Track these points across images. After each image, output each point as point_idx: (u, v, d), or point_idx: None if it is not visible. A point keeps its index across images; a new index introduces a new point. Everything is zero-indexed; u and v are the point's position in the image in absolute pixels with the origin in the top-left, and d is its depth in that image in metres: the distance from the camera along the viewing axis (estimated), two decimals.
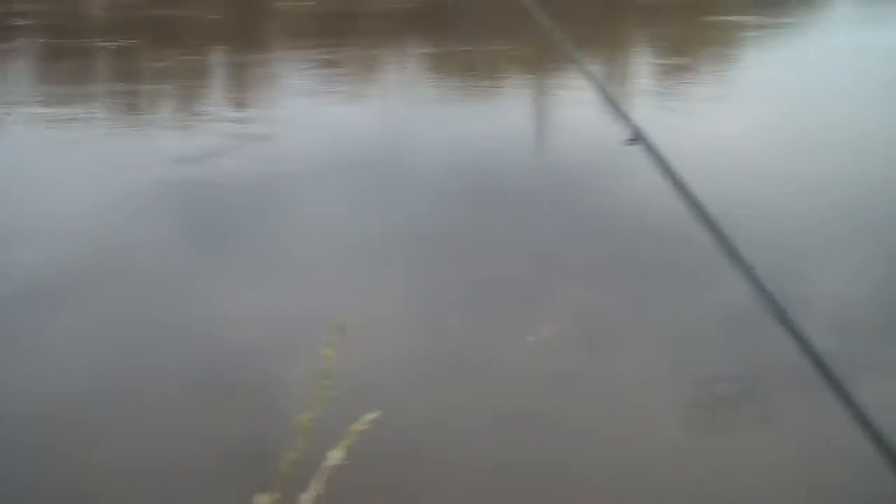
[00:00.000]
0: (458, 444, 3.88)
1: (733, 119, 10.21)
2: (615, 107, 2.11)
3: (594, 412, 4.14)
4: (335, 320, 1.01)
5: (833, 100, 10.82)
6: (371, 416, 1.10)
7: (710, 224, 1.80)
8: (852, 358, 4.52)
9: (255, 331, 4.81)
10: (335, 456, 1.10)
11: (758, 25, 17.09)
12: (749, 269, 1.90)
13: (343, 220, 6.60)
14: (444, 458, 3.79)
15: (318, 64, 12.82)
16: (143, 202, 6.96)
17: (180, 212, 6.82)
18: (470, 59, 13.70)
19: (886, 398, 4.07)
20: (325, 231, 6.39)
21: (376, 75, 12.82)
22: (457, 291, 5.41)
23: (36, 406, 4.18)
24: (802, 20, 18.08)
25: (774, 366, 4.28)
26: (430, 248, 6.11)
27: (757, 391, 4.35)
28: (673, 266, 5.71)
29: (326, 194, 7.14)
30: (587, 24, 16.62)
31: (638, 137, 1.90)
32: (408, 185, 7.42)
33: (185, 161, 8.02)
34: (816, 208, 6.96)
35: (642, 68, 13.44)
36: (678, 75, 12.74)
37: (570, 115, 9.95)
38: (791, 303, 1.79)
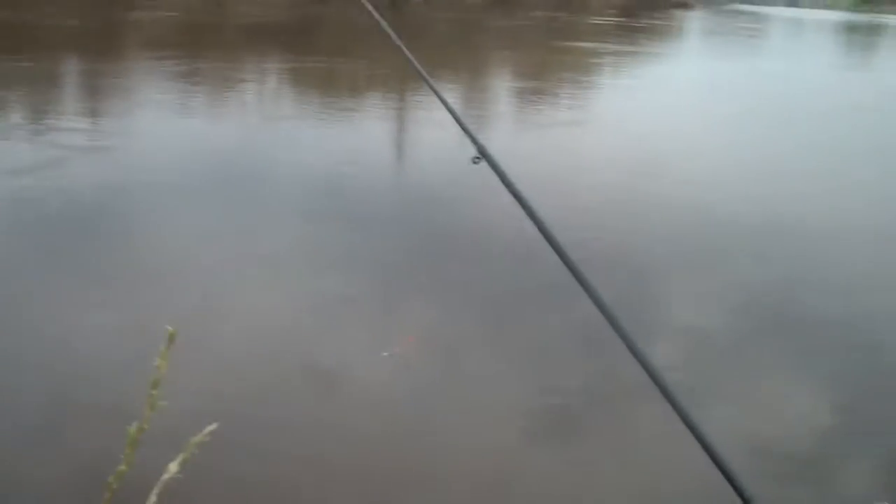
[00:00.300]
0: (305, 457, 3.84)
1: (581, 140, 10.60)
2: (463, 127, 2.17)
3: (443, 427, 4.19)
4: (168, 330, 1.00)
5: (676, 124, 11.37)
6: (210, 427, 1.10)
7: (551, 241, 1.87)
8: (692, 375, 4.75)
9: (86, 346, 4.64)
10: (172, 468, 1.09)
11: (611, 53, 17.81)
12: (587, 285, 1.98)
13: (185, 235, 6.42)
14: (290, 471, 3.75)
15: (173, 75, 12.53)
16: None
17: (8, 225, 6.49)
18: (328, 76, 13.69)
19: (720, 417, 4.29)
20: (165, 246, 6.20)
21: (233, 89, 12.63)
22: (309, 307, 5.38)
23: None
24: (654, 50, 18.94)
25: (616, 384, 4.44)
26: (283, 264, 6.05)
27: (598, 407, 4.50)
28: (515, 282, 5.85)
29: (169, 209, 6.94)
30: (446, 46, 16.88)
31: (482, 156, 1.95)
32: (254, 201, 7.31)
33: (17, 173, 7.67)
34: (657, 228, 7.28)
35: (495, 91, 13.76)
36: (529, 98, 13.12)
37: (423, 134, 10.09)
38: (627, 319, 1.87)
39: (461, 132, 2.27)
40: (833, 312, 5.79)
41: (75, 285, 5.44)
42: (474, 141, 1.99)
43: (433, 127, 9.75)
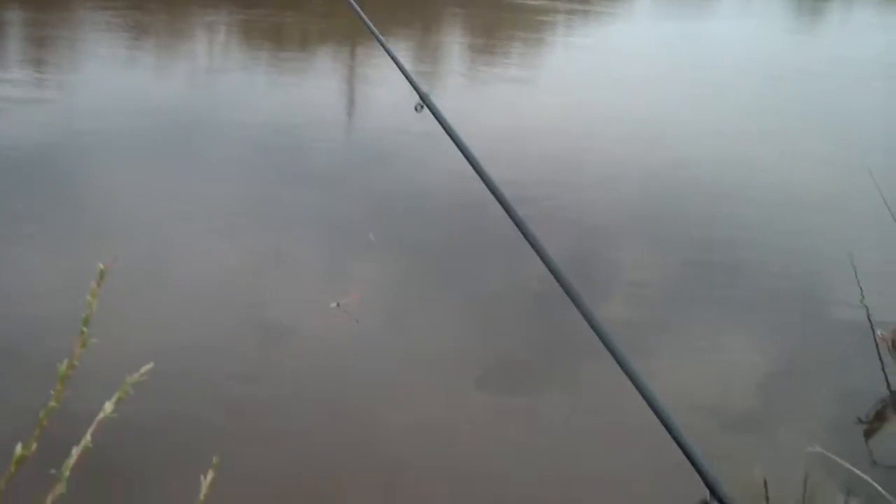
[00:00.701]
0: (256, 402, 3.86)
1: (531, 98, 10.60)
2: (406, 76, 2.17)
3: (389, 377, 4.22)
4: (99, 267, 0.99)
5: (627, 85, 11.42)
6: (146, 367, 1.09)
7: (493, 190, 1.88)
8: (637, 329, 4.83)
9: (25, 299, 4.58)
10: (107, 407, 1.09)
11: (563, 11, 17.78)
12: (533, 238, 1.99)
13: (124, 190, 6.29)
14: (233, 416, 3.75)
15: (115, 27, 12.24)
16: None
17: None
18: (276, 30, 13.48)
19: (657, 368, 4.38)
20: (102, 200, 6.07)
21: (177, 41, 12.37)
22: (255, 260, 5.35)
23: None
24: (606, 10, 18.93)
25: (563, 340, 4.50)
26: (230, 217, 5.98)
27: (545, 362, 4.56)
28: (462, 235, 5.88)
29: (108, 163, 6.80)
30: (396, 2, 16.71)
31: (425, 104, 1.97)
32: (199, 157, 7.19)
33: None
34: (604, 188, 7.34)
35: (446, 48, 13.68)
36: (480, 55, 13.07)
37: (374, 91, 10.04)
38: (575, 274, 1.90)
39: (411, 90, 2.27)
40: (773, 271, 5.92)
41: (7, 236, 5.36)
42: (417, 89, 2.00)
43: (384, 84, 9.70)
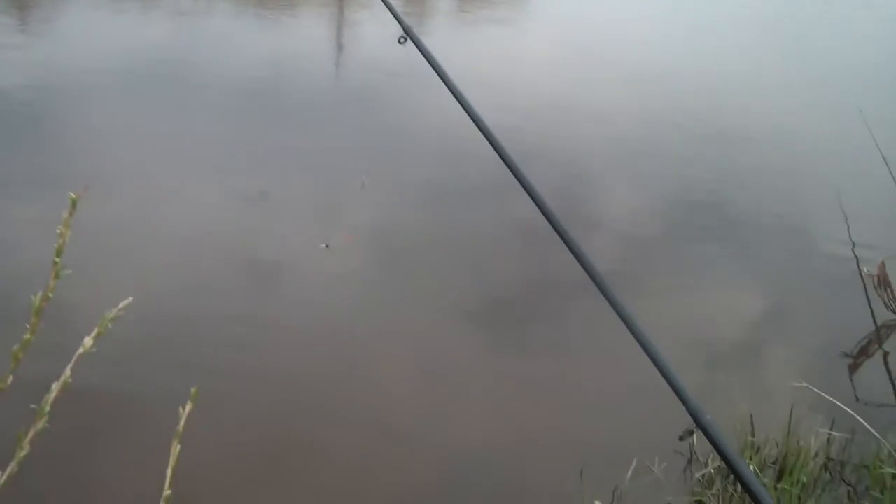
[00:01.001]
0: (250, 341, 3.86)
1: (522, 39, 10.50)
2: (389, 7, 2.13)
3: (384, 320, 4.22)
4: (70, 196, 0.97)
5: (621, 30, 11.31)
6: (125, 302, 1.08)
7: (477, 122, 1.86)
8: (626, 266, 4.84)
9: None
10: (87, 343, 1.07)
11: None
12: (520, 175, 1.98)
13: (110, 133, 6.21)
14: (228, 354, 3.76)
15: None
16: None
17: None
18: None
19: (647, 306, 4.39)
20: (86, 145, 6.00)
21: None
22: (250, 201, 5.32)
23: None
24: None
25: (554, 280, 4.50)
26: (218, 159, 5.93)
27: (536, 302, 4.57)
28: (447, 174, 5.86)
29: (95, 107, 6.71)
30: None
31: (408, 36, 1.94)
32: (187, 100, 7.10)
33: None
34: (595, 132, 7.29)
35: None
36: None
37: (360, 24, 9.94)
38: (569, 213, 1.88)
39: (399, 29, 2.23)
40: (763, 211, 5.93)
41: None
42: (400, 22, 1.97)
43: (373, 23, 9.59)
